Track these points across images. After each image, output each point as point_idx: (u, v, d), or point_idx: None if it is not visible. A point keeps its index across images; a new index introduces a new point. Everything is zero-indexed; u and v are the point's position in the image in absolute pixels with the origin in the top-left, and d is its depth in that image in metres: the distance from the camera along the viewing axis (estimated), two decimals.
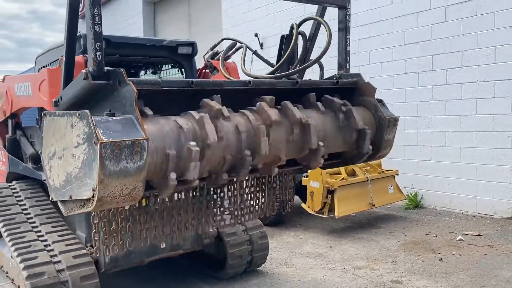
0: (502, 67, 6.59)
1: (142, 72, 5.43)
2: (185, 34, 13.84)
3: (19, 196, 4.57)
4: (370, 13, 8.28)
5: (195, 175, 2.15)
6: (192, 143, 2.09)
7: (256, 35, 10.52)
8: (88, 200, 1.89)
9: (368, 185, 6.49)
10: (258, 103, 2.47)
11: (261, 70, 9.65)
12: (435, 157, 7.51)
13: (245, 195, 2.89)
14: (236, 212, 2.86)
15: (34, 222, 4.16)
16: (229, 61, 4.33)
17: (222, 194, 2.78)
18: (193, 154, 2.08)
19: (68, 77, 2.32)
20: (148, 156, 1.90)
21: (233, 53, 4.23)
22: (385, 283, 4.40)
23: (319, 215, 6.32)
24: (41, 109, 4.74)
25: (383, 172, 6.97)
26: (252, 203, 2.92)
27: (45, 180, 4.44)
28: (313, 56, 3.16)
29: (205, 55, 4.58)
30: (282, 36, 3.62)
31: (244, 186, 2.87)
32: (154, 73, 5.22)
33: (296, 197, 6.99)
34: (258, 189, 2.93)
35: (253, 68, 9.39)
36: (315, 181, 6.29)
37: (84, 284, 3.54)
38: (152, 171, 2.04)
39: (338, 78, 2.95)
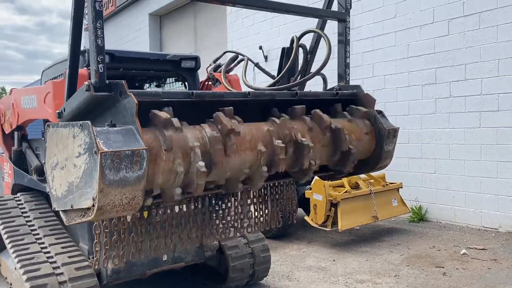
0: (505, 80, 6.60)
1: (147, 85, 5.50)
2: (191, 47, 13.98)
3: (24, 208, 4.61)
4: (373, 26, 8.34)
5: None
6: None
7: (260, 47, 10.62)
8: (88, 209, 1.92)
9: (371, 198, 6.47)
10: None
11: (264, 82, 9.69)
12: (439, 170, 7.49)
13: (247, 207, 2.91)
14: (238, 224, 2.88)
15: (37, 234, 4.20)
16: (231, 73, 4.38)
17: (223, 206, 2.80)
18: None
19: (72, 89, 2.37)
20: (147, 166, 1.93)
21: (235, 65, 4.29)
22: None
23: (322, 228, 6.30)
24: (46, 121, 4.81)
25: (387, 185, 6.95)
26: (256, 214, 2.94)
27: (49, 191, 4.51)
28: (314, 68, 3.21)
29: (208, 67, 4.64)
30: (283, 49, 3.67)
31: (246, 197, 2.89)
32: (158, 86, 5.28)
33: (300, 210, 6.98)
34: (260, 200, 2.94)
35: (256, 80, 9.50)
36: (318, 193, 6.29)
37: None
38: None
39: (338, 90, 2.99)
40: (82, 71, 3.60)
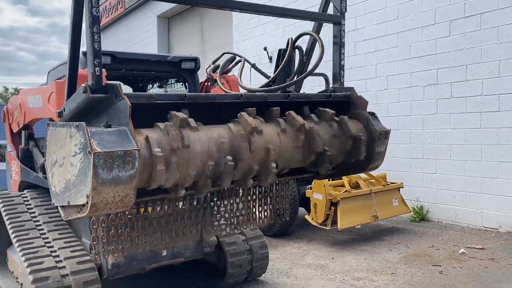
0: (506, 81, 6.63)
1: (150, 86, 5.64)
2: (198, 48, 14.13)
3: (29, 204, 4.76)
4: (376, 27, 8.40)
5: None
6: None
7: (265, 48, 10.73)
8: (83, 205, 2.03)
9: (371, 197, 6.54)
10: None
11: (261, 83, 9.76)
12: (440, 170, 7.53)
13: (241, 204, 3.00)
14: (232, 220, 2.97)
15: (42, 229, 4.34)
16: (229, 74, 4.49)
17: (219, 203, 2.90)
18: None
19: (71, 89, 2.48)
20: (140, 165, 2.04)
21: (233, 66, 4.40)
22: None
23: (322, 227, 6.38)
24: (51, 121, 4.97)
25: (387, 184, 7.01)
26: (248, 211, 3.02)
27: (49, 187, 4.66)
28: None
29: (207, 68, 4.75)
30: (280, 50, 3.74)
31: (241, 195, 2.99)
32: (160, 87, 5.42)
33: (301, 209, 7.07)
34: (254, 197, 3.03)
35: (252, 81, 9.60)
36: (318, 193, 6.37)
37: None
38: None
39: (332, 92, 3.06)
40: (82, 71, 3.74)
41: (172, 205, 2.71)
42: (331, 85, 3.20)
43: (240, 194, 2.98)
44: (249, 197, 3.00)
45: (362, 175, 6.80)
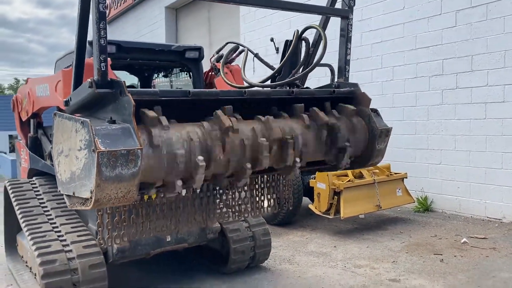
0: (511, 71, 6.60)
1: (155, 75, 5.73)
2: (206, 39, 14.17)
3: (38, 191, 4.89)
4: (383, 18, 8.38)
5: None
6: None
7: (272, 39, 10.74)
8: (87, 199, 2.12)
9: (375, 187, 6.58)
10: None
11: (266, 74, 9.77)
12: (444, 161, 7.54)
13: (244, 193, 3.05)
14: (236, 208, 3.04)
15: (50, 215, 4.46)
16: (233, 63, 4.54)
17: (221, 191, 2.96)
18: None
19: (78, 79, 2.54)
20: (142, 163, 2.09)
21: (237, 56, 4.45)
22: (382, 281, 4.51)
23: (325, 215, 6.45)
24: (60, 110, 5.07)
25: (391, 174, 7.05)
26: (252, 200, 3.07)
27: (55, 175, 4.78)
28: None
29: (211, 58, 4.81)
30: (286, 41, 3.74)
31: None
32: (165, 76, 5.50)
33: (305, 199, 7.13)
34: (257, 187, 3.08)
35: (255, 71, 9.63)
36: (321, 182, 6.43)
37: (92, 272, 3.79)
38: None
39: (337, 87, 3.06)
40: (89, 60, 3.82)
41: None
42: (336, 79, 3.22)
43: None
44: (252, 186, 3.05)
45: None
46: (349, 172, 6.61)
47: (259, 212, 3.16)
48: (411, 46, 7.94)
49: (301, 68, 3.23)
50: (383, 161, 4.26)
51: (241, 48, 4.31)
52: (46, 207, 4.60)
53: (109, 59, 3.07)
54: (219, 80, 4.46)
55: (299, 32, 3.15)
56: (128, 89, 2.16)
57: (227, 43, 4.66)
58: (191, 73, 4.89)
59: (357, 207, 6.40)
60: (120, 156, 1.99)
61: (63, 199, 4.79)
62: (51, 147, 2.54)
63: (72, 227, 4.23)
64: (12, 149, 22.31)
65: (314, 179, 6.62)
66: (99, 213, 2.66)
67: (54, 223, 4.32)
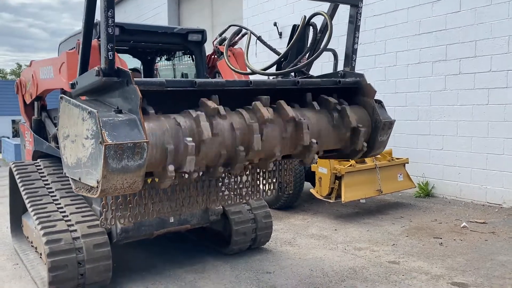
0: None
1: (158, 59, 5.73)
2: (208, 24, 14.09)
3: (43, 173, 4.95)
4: (386, 3, 8.32)
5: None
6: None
7: (275, 24, 10.69)
8: (93, 187, 2.16)
9: (376, 172, 6.62)
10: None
11: (269, 58, 9.70)
12: (446, 147, 7.56)
13: (246, 176, 3.09)
14: (238, 192, 3.08)
15: (55, 196, 4.53)
16: (236, 46, 4.54)
17: (223, 175, 2.98)
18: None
19: (84, 63, 2.55)
20: (148, 155, 2.12)
21: (239, 38, 4.45)
22: (382, 263, 4.57)
23: (326, 200, 6.50)
24: (63, 93, 5.10)
25: (392, 160, 7.08)
26: (253, 184, 3.11)
27: (61, 157, 4.82)
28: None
29: (214, 41, 4.81)
30: (294, 26, 3.69)
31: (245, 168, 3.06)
32: (168, 59, 5.51)
33: (307, 183, 7.18)
34: (259, 171, 3.12)
35: (258, 56, 9.57)
36: (323, 167, 6.47)
37: (96, 251, 3.86)
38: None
39: (343, 76, 3.06)
40: (93, 42, 3.83)
41: (178, 176, 2.81)
42: (338, 64, 3.20)
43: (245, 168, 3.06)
44: (254, 170, 3.08)
45: None
46: None
47: (261, 196, 3.20)
48: (415, 31, 7.90)
49: (307, 54, 3.23)
50: None
51: (244, 31, 4.33)
52: (51, 188, 4.66)
53: None
54: (222, 63, 4.47)
55: (307, 18, 3.13)
56: (135, 79, 2.17)
57: (230, 26, 4.67)
58: (193, 56, 4.90)
59: (358, 191, 6.45)
60: (126, 148, 2.01)
61: (68, 181, 4.88)
62: (57, 130, 2.56)
63: (76, 208, 4.30)
64: (15, 134, 22.41)
65: (316, 163, 6.64)
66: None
67: (59, 204, 4.39)
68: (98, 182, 2.06)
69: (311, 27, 3.23)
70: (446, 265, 4.47)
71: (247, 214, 4.81)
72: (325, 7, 3.27)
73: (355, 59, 3.12)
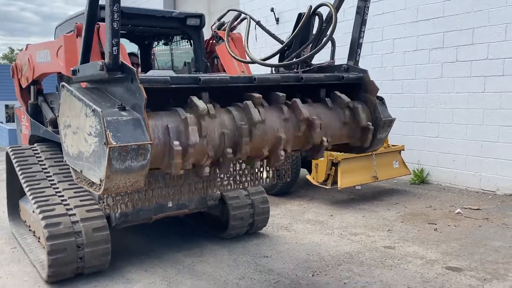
0: None
1: (155, 43, 5.69)
2: (205, 9, 13.96)
3: (40, 157, 4.95)
4: None
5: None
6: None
7: (272, 9, 10.61)
8: (95, 184, 2.16)
9: (372, 158, 6.67)
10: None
11: (266, 44, 9.60)
12: (442, 134, 7.61)
13: (243, 164, 3.09)
14: (236, 179, 3.09)
15: (52, 180, 4.53)
16: (234, 31, 4.52)
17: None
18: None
19: (87, 50, 2.50)
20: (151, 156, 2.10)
21: (238, 23, 4.43)
22: (377, 248, 4.64)
23: (322, 186, 6.55)
24: (60, 76, 5.07)
25: (388, 147, 7.13)
26: (251, 172, 3.12)
27: (61, 144, 4.80)
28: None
29: (212, 25, 4.78)
30: (300, 14, 3.65)
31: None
32: (165, 44, 5.47)
33: (303, 169, 7.22)
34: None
35: (257, 42, 9.50)
36: None
37: (95, 235, 3.89)
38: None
39: (346, 70, 3.05)
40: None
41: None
42: (339, 56, 3.16)
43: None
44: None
45: None
46: None
47: (258, 183, 3.21)
48: (412, 18, 7.89)
49: (311, 44, 3.21)
50: None
51: (243, 15, 4.30)
52: (48, 172, 4.66)
53: None
54: (220, 48, 4.44)
55: (313, 8, 3.09)
56: (139, 76, 2.13)
57: (229, 11, 4.63)
58: (191, 41, 4.87)
59: (354, 178, 6.50)
60: (130, 150, 2.01)
61: (66, 165, 4.88)
62: (57, 116, 2.54)
63: (75, 192, 4.30)
64: (9, 119, 22.23)
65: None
66: None
67: (57, 188, 4.39)
68: (101, 181, 2.06)
69: (316, 17, 3.19)
70: (441, 250, 4.55)
71: (245, 200, 4.84)
72: None
73: (360, 53, 3.07)
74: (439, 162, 7.68)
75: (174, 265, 4.25)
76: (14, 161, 4.85)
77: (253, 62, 3.31)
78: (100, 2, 2.45)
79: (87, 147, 2.15)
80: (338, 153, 6.42)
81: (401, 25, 8.06)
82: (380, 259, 4.32)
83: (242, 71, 4.25)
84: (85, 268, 3.91)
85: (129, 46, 5.51)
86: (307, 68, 3.20)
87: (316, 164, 6.58)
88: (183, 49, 5.34)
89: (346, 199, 6.83)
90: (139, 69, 5.29)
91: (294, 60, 3.09)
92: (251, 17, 3.86)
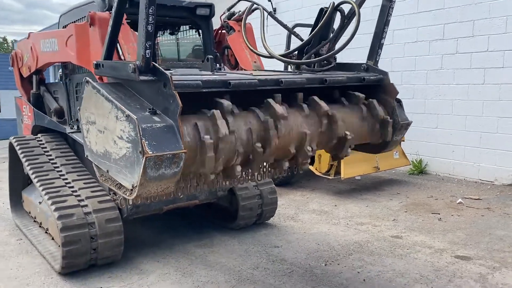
0: None
1: (160, 32, 5.62)
2: None
3: (45, 147, 4.88)
4: None
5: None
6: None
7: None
8: (126, 189, 2.16)
9: None
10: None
11: (276, 33, 9.48)
12: (441, 125, 7.70)
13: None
14: (246, 173, 3.09)
15: (60, 171, 4.48)
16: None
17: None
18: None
19: (111, 46, 2.47)
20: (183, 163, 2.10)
21: (248, 14, 4.39)
22: (385, 238, 4.70)
23: (325, 176, 6.60)
24: (64, 66, 4.99)
25: None
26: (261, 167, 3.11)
27: (69, 133, 4.72)
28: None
29: (221, 15, 4.74)
30: (321, 10, 3.61)
31: None
32: (171, 33, 5.40)
33: None
34: None
35: (268, 32, 9.43)
36: None
37: (109, 226, 3.87)
38: None
39: (366, 69, 3.06)
40: (103, 14, 3.74)
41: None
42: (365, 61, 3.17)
43: None
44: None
45: None
46: None
47: (270, 176, 3.21)
48: (413, 9, 7.92)
49: (333, 41, 3.19)
50: None
51: (254, 6, 4.26)
52: (55, 163, 4.61)
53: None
54: (232, 38, 4.41)
55: (335, 4, 3.07)
56: (173, 82, 2.09)
57: (239, 0, 4.60)
58: (200, 30, 4.82)
59: (357, 168, 6.55)
60: (166, 159, 2.01)
61: (72, 156, 4.82)
62: (78, 108, 2.50)
63: (84, 183, 4.27)
64: None
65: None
66: None
67: (66, 179, 4.35)
68: (133, 187, 2.07)
69: (338, 13, 3.17)
70: (447, 239, 4.63)
71: (254, 190, 4.86)
72: None
73: (380, 53, 3.08)
74: (438, 153, 7.77)
75: (186, 255, 4.25)
76: (19, 151, 4.78)
77: (271, 56, 3.30)
78: None
79: (117, 149, 2.15)
80: None
81: (401, 17, 8.08)
82: (390, 249, 4.38)
83: (254, 61, 4.24)
84: (98, 260, 3.90)
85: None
86: (328, 67, 3.21)
87: (319, 154, 6.61)
88: (190, 39, 5.28)
89: (348, 189, 6.88)
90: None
91: (317, 58, 3.09)
92: (263, 8, 3.83)
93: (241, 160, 2.51)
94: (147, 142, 1.97)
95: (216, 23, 4.93)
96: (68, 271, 3.81)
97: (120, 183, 2.21)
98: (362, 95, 2.95)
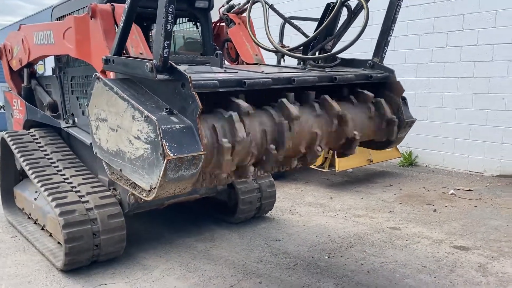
0: (502, 31, 6.80)
1: (154, 25, 5.53)
2: None
3: (40, 143, 4.78)
4: None
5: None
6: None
7: None
8: (143, 190, 2.13)
9: None
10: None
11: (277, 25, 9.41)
12: (431, 118, 7.82)
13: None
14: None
15: (57, 166, 4.39)
16: (244, 14, 4.45)
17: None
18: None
19: (123, 41, 2.42)
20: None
21: (251, 6, 4.35)
22: (384, 229, 4.76)
23: (320, 169, 6.64)
24: (58, 59, 4.87)
25: None
26: None
27: (64, 128, 4.63)
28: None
29: (220, 8, 4.69)
30: (328, 5, 3.59)
31: None
32: None
33: None
34: None
35: (258, 25, 9.36)
36: None
37: (111, 222, 3.81)
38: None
39: (372, 66, 3.07)
40: (104, 6, 3.66)
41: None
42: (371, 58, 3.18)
43: None
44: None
45: None
46: None
47: (274, 172, 3.22)
48: (403, 3, 7.93)
49: (337, 35, 3.19)
50: None
51: None
52: (51, 158, 4.52)
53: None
54: (233, 31, 4.37)
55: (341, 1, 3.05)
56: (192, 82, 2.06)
57: None
58: (198, 23, 4.77)
59: (351, 161, 6.59)
60: (186, 161, 2.01)
61: (68, 151, 4.72)
62: (87, 105, 2.45)
63: (83, 179, 4.20)
64: None
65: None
66: None
67: (64, 174, 4.27)
68: (152, 188, 2.05)
69: (345, 8, 3.16)
70: (444, 230, 4.72)
71: (253, 184, 4.86)
72: None
73: (386, 51, 3.09)
74: (428, 145, 7.90)
75: (188, 250, 4.23)
76: (13, 147, 4.67)
77: (277, 51, 3.29)
78: None
79: (133, 149, 2.12)
80: None
81: None
82: (389, 240, 4.44)
83: (256, 54, 4.22)
84: (101, 256, 3.84)
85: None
86: (335, 63, 3.21)
87: None
88: (186, 32, 5.22)
89: (341, 181, 6.95)
90: None
91: (325, 54, 3.09)
92: (265, 1, 3.81)
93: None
94: (167, 144, 1.95)
95: (213, 16, 4.88)
96: (70, 268, 3.75)
97: (135, 183, 2.19)
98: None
